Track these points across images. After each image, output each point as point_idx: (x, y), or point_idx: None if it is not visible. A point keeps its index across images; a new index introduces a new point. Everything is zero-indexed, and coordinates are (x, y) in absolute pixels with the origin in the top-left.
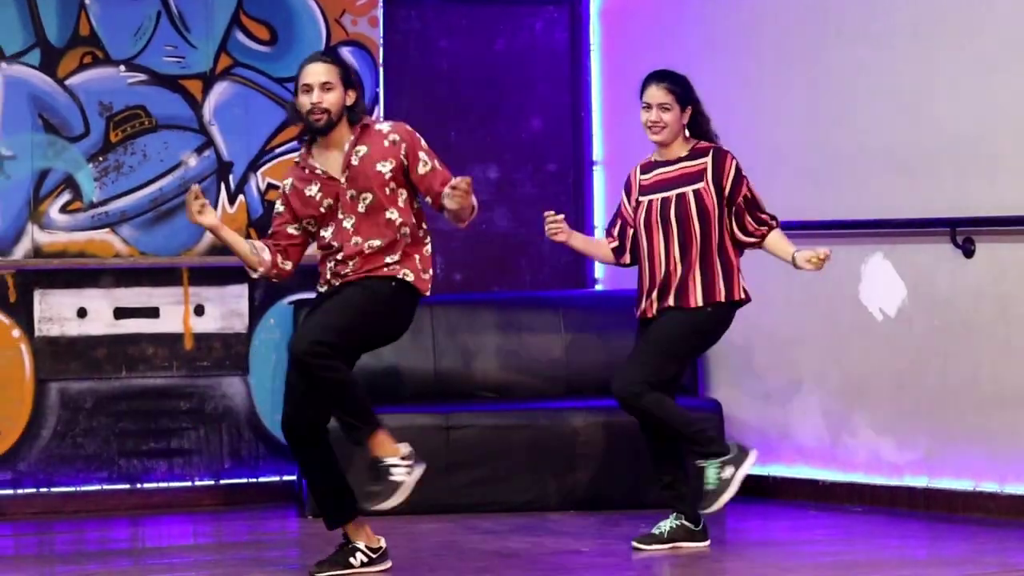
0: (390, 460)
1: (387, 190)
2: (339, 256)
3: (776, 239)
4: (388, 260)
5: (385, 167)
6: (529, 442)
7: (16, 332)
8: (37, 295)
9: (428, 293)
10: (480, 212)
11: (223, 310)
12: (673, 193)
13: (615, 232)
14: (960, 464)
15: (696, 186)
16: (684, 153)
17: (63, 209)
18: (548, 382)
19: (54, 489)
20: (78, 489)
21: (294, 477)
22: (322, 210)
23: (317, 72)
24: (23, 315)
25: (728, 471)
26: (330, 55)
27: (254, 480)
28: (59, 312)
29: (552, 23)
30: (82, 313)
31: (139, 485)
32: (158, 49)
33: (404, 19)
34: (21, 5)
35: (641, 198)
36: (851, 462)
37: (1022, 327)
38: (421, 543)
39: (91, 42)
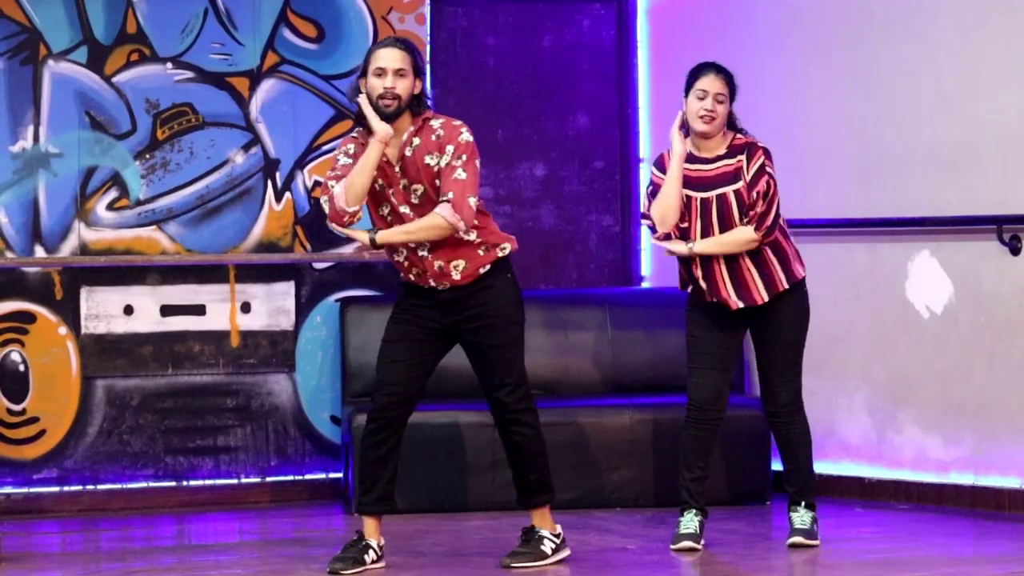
0: (545, 532)
1: (437, 182)
2: (404, 249)
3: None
4: (470, 243)
5: (432, 160)
6: (575, 439)
7: (63, 329)
8: (84, 292)
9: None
10: (526, 209)
11: (269, 307)
12: (713, 194)
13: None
14: (1007, 461)
15: (736, 186)
16: (723, 151)
17: (110, 206)
18: (595, 379)
19: (100, 486)
20: (124, 486)
21: (340, 475)
22: (376, 186)
23: (393, 57)
24: (69, 312)
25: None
26: (404, 42)
27: (300, 478)
28: (105, 309)
29: (599, 20)
30: (128, 310)
31: (185, 482)
32: (205, 46)
33: (451, 16)
34: (69, 3)
35: (686, 191)
36: (897, 459)
37: None
38: (467, 540)
39: (138, 39)
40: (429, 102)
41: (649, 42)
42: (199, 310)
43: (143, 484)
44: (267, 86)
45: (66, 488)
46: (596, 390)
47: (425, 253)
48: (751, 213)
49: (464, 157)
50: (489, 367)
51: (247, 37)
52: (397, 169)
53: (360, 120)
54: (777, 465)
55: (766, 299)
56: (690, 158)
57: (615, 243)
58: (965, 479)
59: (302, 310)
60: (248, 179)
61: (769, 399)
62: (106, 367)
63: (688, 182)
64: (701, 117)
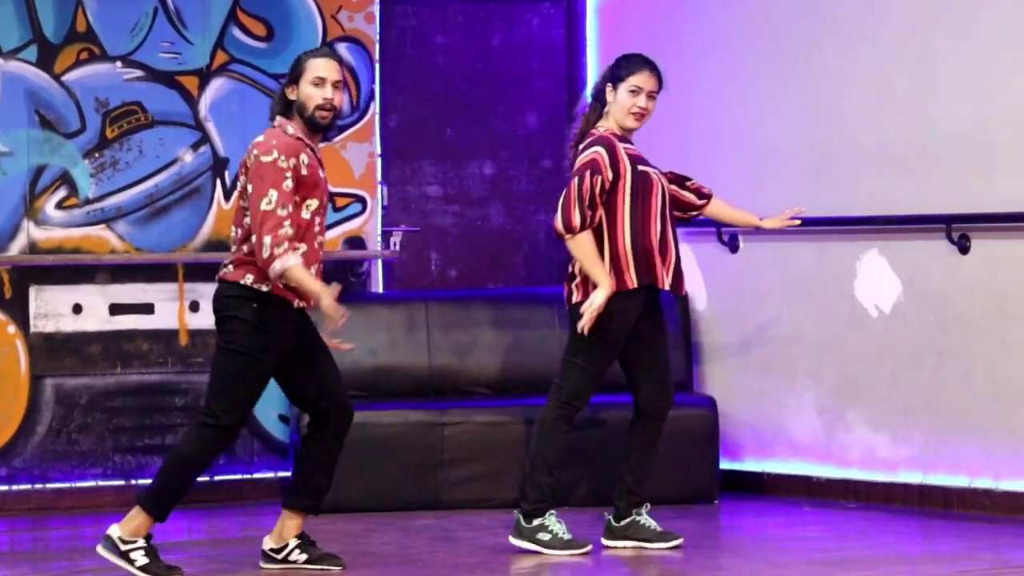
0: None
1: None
2: (316, 263)
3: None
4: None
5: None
6: (524, 438)
7: (11, 328)
8: (32, 291)
9: None
10: (475, 208)
11: None
12: (652, 169)
13: (593, 215)
14: (955, 460)
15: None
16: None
17: (59, 205)
18: (543, 378)
19: (49, 485)
20: (73, 485)
21: (288, 474)
22: (325, 198)
23: (332, 68)
24: (18, 311)
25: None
26: (337, 53)
27: (248, 476)
28: (54, 308)
29: (549, 19)
30: (77, 309)
31: (133, 481)
32: (154, 45)
33: (401, 15)
34: (19, 2)
35: (642, 168)
36: (846, 458)
37: (1017, 323)
38: (415, 539)
39: (88, 38)
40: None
41: (599, 41)
42: (148, 309)
43: (92, 483)
44: (216, 85)
45: (15, 487)
46: (544, 389)
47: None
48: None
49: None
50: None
51: (197, 36)
52: (324, 173)
53: (284, 110)
54: (725, 464)
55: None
56: (624, 139)
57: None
58: (914, 478)
59: None
60: (197, 178)
61: (662, 397)
62: (55, 366)
63: (642, 161)
64: (634, 113)
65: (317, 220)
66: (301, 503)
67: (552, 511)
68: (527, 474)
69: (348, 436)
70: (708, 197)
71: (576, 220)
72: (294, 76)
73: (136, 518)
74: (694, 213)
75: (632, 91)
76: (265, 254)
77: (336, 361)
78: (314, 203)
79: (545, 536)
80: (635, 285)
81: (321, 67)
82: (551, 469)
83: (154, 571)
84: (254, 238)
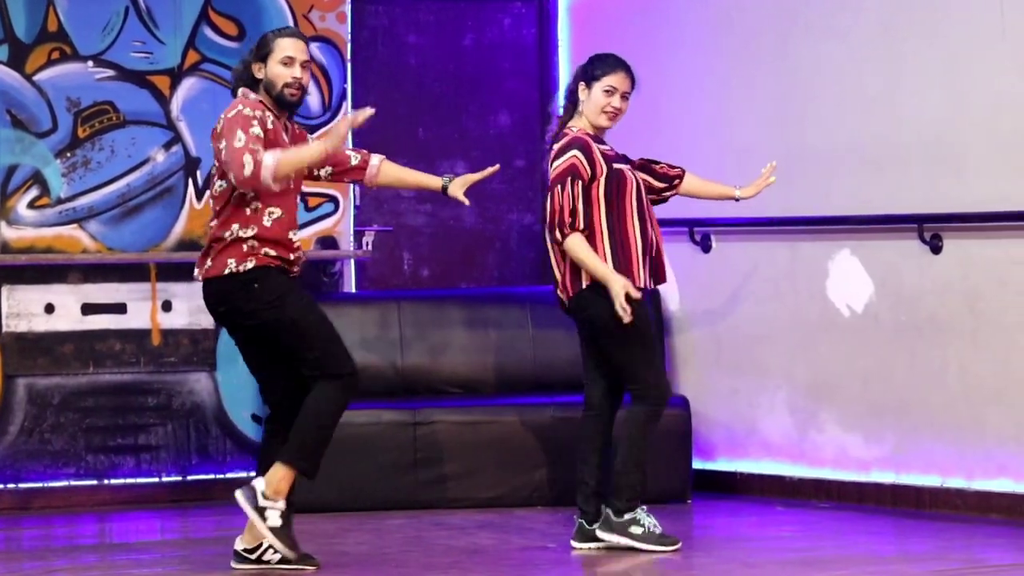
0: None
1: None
2: (291, 234)
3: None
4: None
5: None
6: (496, 438)
7: None
8: (4, 291)
9: None
10: (448, 208)
11: (191, 306)
12: (626, 167)
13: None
14: (927, 460)
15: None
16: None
17: (31, 205)
18: (515, 378)
19: (21, 485)
20: (45, 485)
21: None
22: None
23: (301, 48)
24: None
25: None
26: (303, 34)
27: (221, 476)
28: (26, 308)
29: (520, 19)
30: (49, 309)
31: (106, 481)
32: (126, 45)
33: (372, 15)
34: None
35: (617, 166)
36: (818, 458)
37: (989, 323)
38: (388, 539)
39: (59, 38)
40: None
41: (570, 41)
42: (120, 308)
43: (64, 483)
44: (188, 84)
45: None
46: (517, 388)
47: (295, 237)
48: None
49: None
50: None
51: (168, 35)
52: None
53: (249, 85)
54: (698, 463)
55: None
56: (599, 139)
57: (536, 242)
58: (886, 478)
59: None
60: (169, 177)
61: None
62: (27, 366)
63: (617, 160)
64: (607, 113)
65: (276, 187)
66: None
67: (643, 506)
68: (621, 472)
69: None
70: (679, 177)
71: (559, 233)
72: (261, 55)
73: (279, 474)
74: (669, 194)
75: (607, 91)
76: (248, 172)
77: None
78: None
79: (637, 530)
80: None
81: (290, 47)
82: (644, 467)
83: (282, 537)
84: (232, 177)
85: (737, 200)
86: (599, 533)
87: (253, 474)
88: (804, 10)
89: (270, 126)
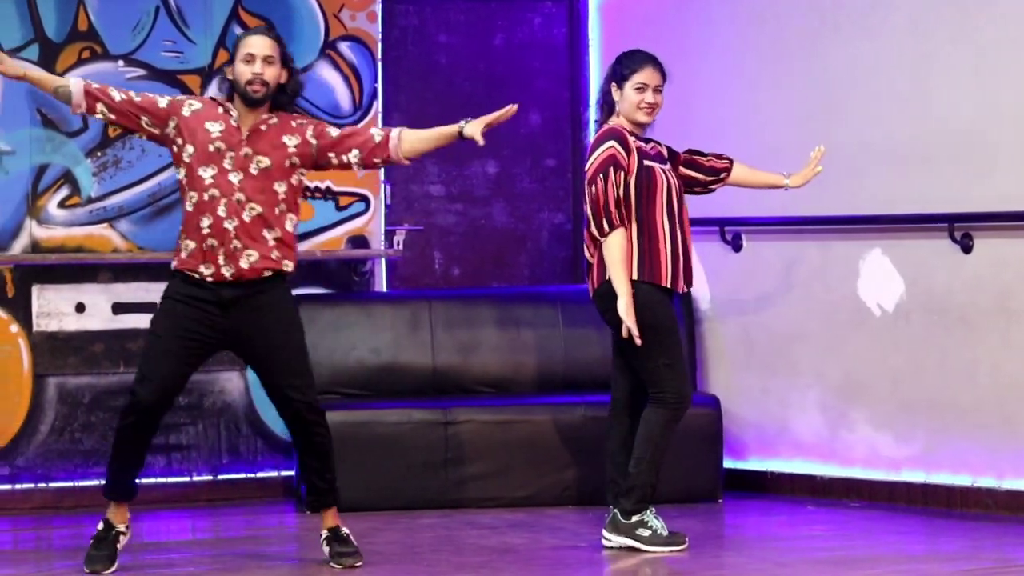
0: (346, 529)
1: (287, 163)
2: (220, 209)
3: (747, 168)
4: (270, 240)
5: (291, 140)
6: (527, 437)
7: (14, 327)
8: (35, 290)
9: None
10: (478, 207)
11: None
12: (669, 168)
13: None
14: (958, 459)
15: (668, 167)
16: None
17: (61, 204)
18: (546, 377)
19: (52, 484)
20: (76, 484)
21: (292, 472)
22: (210, 148)
23: (261, 44)
24: (21, 310)
25: None
26: (274, 31)
27: (252, 475)
28: (57, 307)
29: (551, 18)
30: (80, 308)
31: (137, 480)
32: (156, 44)
33: (403, 14)
34: (20, 1)
35: (648, 163)
36: (849, 457)
37: (1020, 322)
38: (419, 538)
39: (89, 37)
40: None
41: (601, 40)
42: (151, 308)
43: (95, 482)
44: (218, 83)
45: (18, 486)
46: (548, 388)
47: (231, 228)
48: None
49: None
50: (283, 367)
51: (199, 35)
52: (244, 136)
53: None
54: (729, 463)
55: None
56: (634, 135)
57: (567, 241)
58: (916, 477)
59: None
60: None
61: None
62: (58, 365)
63: (651, 157)
64: (643, 109)
65: (202, 172)
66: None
67: (651, 508)
68: (633, 473)
69: (353, 435)
70: (727, 169)
71: (606, 225)
72: (232, 56)
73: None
74: (716, 186)
75: (638, 88)
76: None
77: (343, 359)
78: (189, 148)
79: (645, 532)
80: (635, 277)
81: (250, 44)
82: (658, 470)
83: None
84: None
85: (786, 189)
86: (605, 533)
87: (284, 473)
88: (834, 9)
89: (187, 112)
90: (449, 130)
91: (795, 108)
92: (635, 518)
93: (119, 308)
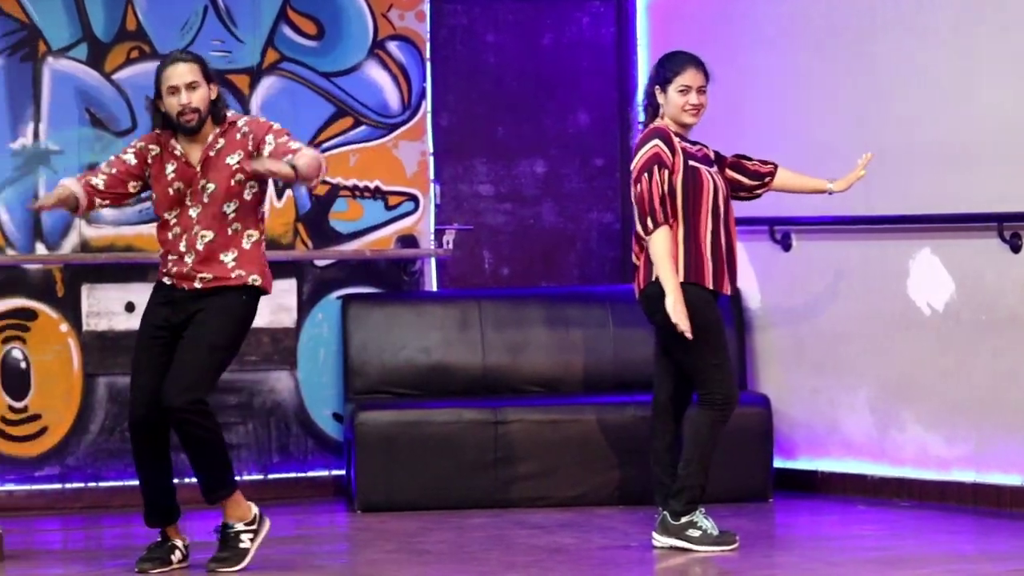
0: (239, 527)
1: (233, 181)
2: (181, 246)
3: (792, 173)
4: (228, 261)
5: (233, 159)
6: (578, 437)
7: (64, 327)
8: (85, 290)
9: (271, 290)
10: (527, 207)
11: (271, 305)
12: (716, 171)
13: (669, 208)
14: (1008, 459)
15: (715, 169)
16: (690, 136)
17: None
18: (596, 377)
19: (102, 484)
20: (126, 484)
21: (342, 472)
22: (170, 191)
23: (181, 72)
24: (71, 310)
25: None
26: (188, 53)
27: (302, 475)
28: (107, 306)
29: (599, 18)
30: (130, 307)
31: (187, 480)
32: (205, 43)
33: (451, 14)
34: (68, 0)
35: (694, 164)
36: (899, 457)
37: None
38: (469, 537)
39: (138, 36)
40: (428, 104)
41: (649, 39)
42: None
43: None
44: (267, 83)
45: (68, 485)
46: (598, 387)
47: (191, 261)
48: (752, 159)
49: (286, 136)
50: (177, 359)
51: (247, 34)
52: (198, 170)
53: (165, 123)
54: (779, 462)
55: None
56: (681, 137)
57: (616, 240)
58: (967, 476)
59: (303, 307)
60: None
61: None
62: (107, 364)
63: (697, 159)
64: (687, 111)
65: (167, 216)
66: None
67: (701, 508)
68: (683, 474)
69: (403, 435)
70: (771, 174)
71: (650, 223)
72: (157, 90)
73: None
74: (760, 191)
75: (681, 91)
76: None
77: (393, 359)
78: (155, 195)
79: (695, 533)
80: (681, 279)
81: (171, 75)
82: (707, 470)
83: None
84: None
85: (830, 194)
86: (655, 535)
87: (334, 472)
88: (883, 8)
89: (149, 160)
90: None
91: (843, 107)
92: (685, 519)
93: None
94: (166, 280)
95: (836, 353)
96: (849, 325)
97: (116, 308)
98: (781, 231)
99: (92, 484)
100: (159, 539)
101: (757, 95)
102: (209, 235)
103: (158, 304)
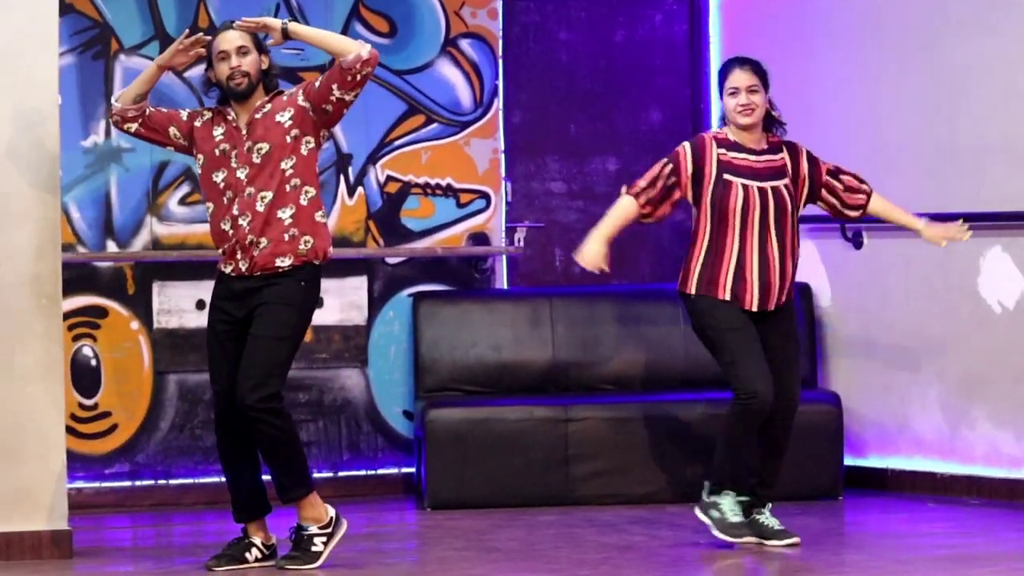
0: (312, 529)
1: (288, 138)
2: (235, 209)
3: (884, 204)
4: (285, 218)
5: (284, 116)
6: (648, 434)
7: (135, 324)
8: (156, 287)
9: (328, 254)
10: (599, 204)
11: (342, 302)
12: (769, 185)
13: (650, 198)
14: None
15: (785, 181)
16: (765, 146)
17: (182, 201)
18: (666, 374)
19: (172, 481)
20: (196, 481)
21: (412, 470)
22: (216, 152)
23: (232, 38)
24: (142, 307)
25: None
26: (240, 23)
27: (372, 472)
28: (177, 304)
29: (672, 15)
30: (200, 305)
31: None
32: None
33: (524, 11)
34: None
35: (729, 177)
36: (970, 455)
37: None
38: (539, 535)
39: (210, 34)
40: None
41: (721, 37)
42: None
43: (215, 479)
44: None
45: (138, 483)
46: (669, 385)
47: (245, 224)
48: (850, 179)
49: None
50: (247, 357)
51: None
52: (244, 132)
53: (219, 98)
54: (849, 460)
55: (780, 303)
56: (735, 147)
57: (688, 238)
58: None
59: (375, 305)
60: (320, 174)
61: (783, 397)
62: (178, 362)
63: (739, 171)
64: (739, 112)
65: (214, 178)
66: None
67: (730, 492)
68: (714, 459)
69: (473, 432)
70: (862, 206)
71: (627, 188)
72: (208, 61)
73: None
74: (853, 214)
75: (731, 93)
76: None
77: (463, 356)
78: (201, 157)
79: (715, 514)
80: (693, 291)
81: (221, 41)
82: (732, 458)
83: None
84: None
85: (919, 235)
86: (695, 508)
87: (404, 470)
88: (955, 6)
89: (199, 123)
90: None
91: (915, 105)
92: (712, 498)
93: None
94: (225, 268)
95: (907, 351)
96: (920, 323)
97: (187, 306)
98: (853, 229)
99: (162, 481)
100: (240, 536)
101: (828, 92)
102: (268, 195)
103: (221, 299)
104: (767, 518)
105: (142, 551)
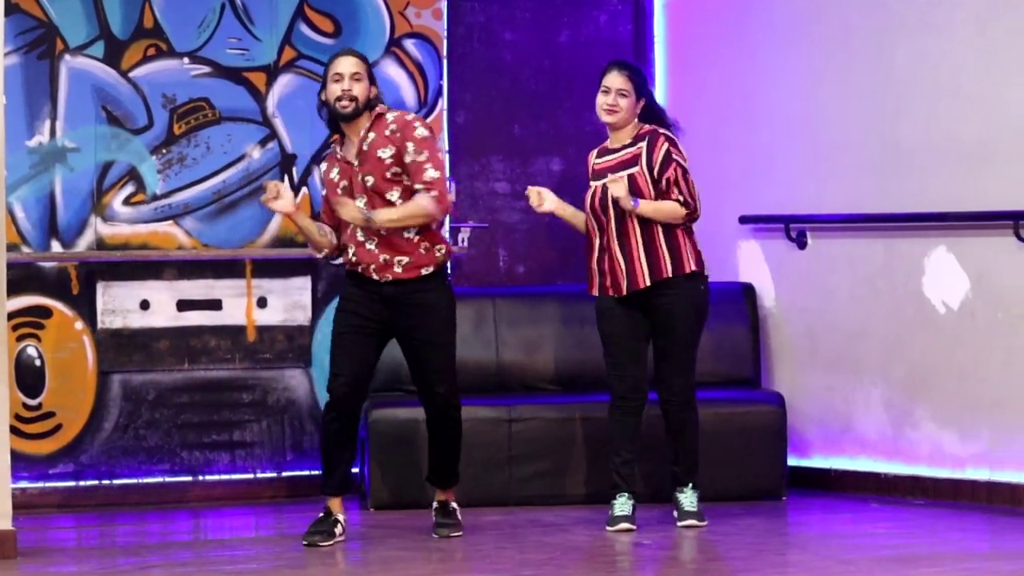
0: (454, 504)
1: (388, 174)
2: (359, 235)
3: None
4: (412, 236)
5: (385, 153)
6: (591, 435)
7: (79, 324)
8: (100, 287)
9: (453, 250)
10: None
11: (286, 302)
12: (634, 171)
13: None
14: (1022, 457)
15: (631, 171)
16: (628, 140)
17: (126, 201)
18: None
19: (116, 481)
20: (140, 481)
21: (356, 470)
22: (339, 191)
23: (349, 63)
24: (86, 307)
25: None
26: (359, 51)
27: (316, 472)
28: (122, 304)
29: (616, 15)
30: (145, 305)
31: (201, 477)
32: (222, 41)
33: (468, 11)
34: None
35: (592, 183)
36: (913, 455)
37: None
38: (483, 535)
39: (155, 34)
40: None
41: (666, 37)
42: (215, 305)
43: (159, 479)
44: (284, 81)
45: (82, 483)
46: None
47: (372, 247)
48: (674, 198)
49: (426, 153)
50: (428, 363)
51: (264, 32)
52: (356, 164)
53: (333, 125)
54: (793, 460)
55: (648, 283)
56: (604, 152)
57: None
58: (981, 475)
59: (318, 305)
60: (265, 174)
61: (663, 389)
62: (122, 362)
63: (599, 175)
64: (604, 110)
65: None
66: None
67: (624, 493)
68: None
69: (418, 432)
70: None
71: None
72: (324, 80)
73: None
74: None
75: (603, 91)
76: (447, 203)
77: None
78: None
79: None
80: (595, 293)
81: (338, 64)
82: (612, 456)
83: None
84: (434, 203)
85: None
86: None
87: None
88: (899, 6)
89: (332, 175)
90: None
91: (859, 105)
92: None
93: (184, 305)
94: (366, 273)
95: (850, 351)
96: (864, 323)
97: (131, 306)
98: (796, 229)
99: (106, 481)
100: (322, 515)
101: (773, 91)
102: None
103: (368, 298)
104: (686, 497)
105: (86, 551)
